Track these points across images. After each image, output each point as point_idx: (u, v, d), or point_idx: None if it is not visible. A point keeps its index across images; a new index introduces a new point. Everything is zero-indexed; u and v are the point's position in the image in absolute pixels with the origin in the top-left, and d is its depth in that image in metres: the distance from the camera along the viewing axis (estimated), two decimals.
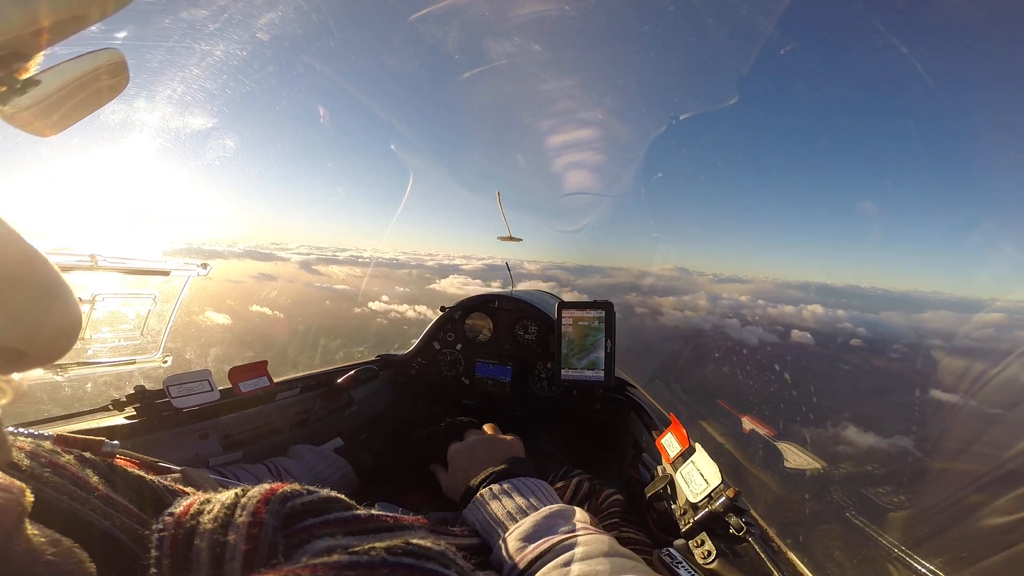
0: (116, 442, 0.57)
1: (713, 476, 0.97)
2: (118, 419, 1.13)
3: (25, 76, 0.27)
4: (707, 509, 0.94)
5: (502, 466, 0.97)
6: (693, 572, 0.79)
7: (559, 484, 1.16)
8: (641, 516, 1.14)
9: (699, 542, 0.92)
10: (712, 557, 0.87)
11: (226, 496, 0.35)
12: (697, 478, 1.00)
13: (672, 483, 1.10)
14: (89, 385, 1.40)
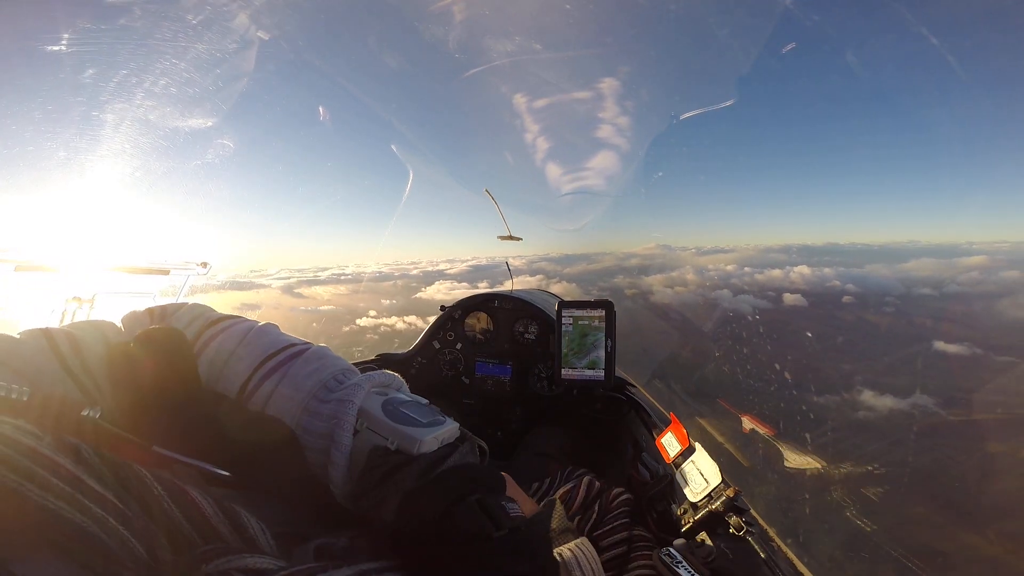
0: (99, 408, 0.50)
1: (713, 476, 0.97)
2: None
3: None
4: (707, 509, 0.94)
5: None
6: (693, 572, 0.79)
7: (568, 486, 1.14)
8: (641, 516, 1.14)
9: (699, 542, 0.92)
10: (712, 557, 0.87)
11: None
12: (697, 478, 1.00)
13: (672, 483, 1.10)
14: None
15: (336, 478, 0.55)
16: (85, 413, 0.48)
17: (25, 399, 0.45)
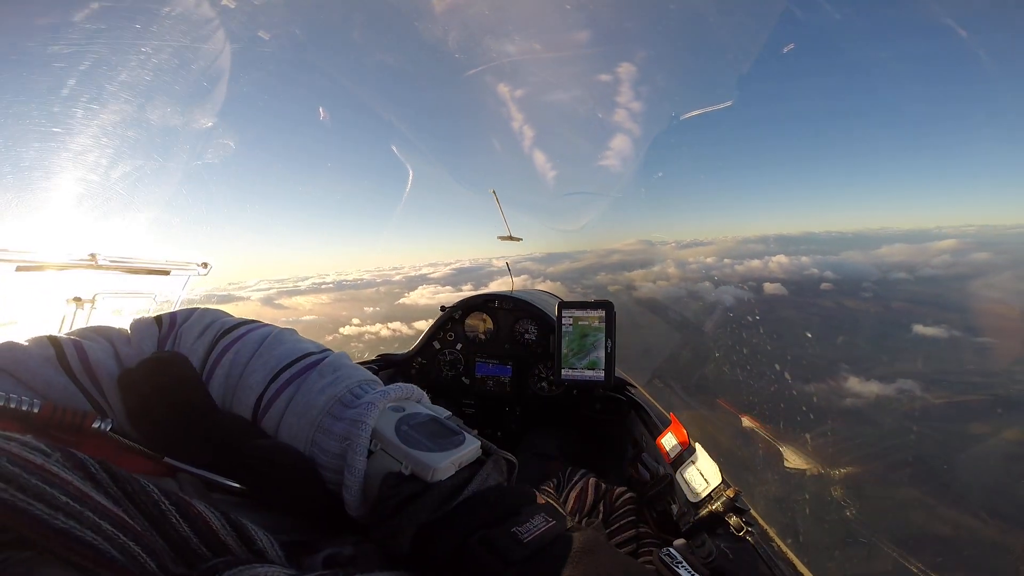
0: (110, 420, 0.49)
1: (713, 476, 0.97)
2: None
3: None
4: (707, 509, 0.94)
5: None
6: (693, 572, 0.79)
7: (577, 489, 1.14)
8: (642, 516, 1.14)
9: (699, 542, 0.92)
10: (712, 557, 0.87)
11: None
12: (697, 478, 1.00)
13: (672, 483, 1.10)
14: None
15: (351, 502, 0.52)
16: (96, 426, 0.47)
17: (36, 411, 0.45)
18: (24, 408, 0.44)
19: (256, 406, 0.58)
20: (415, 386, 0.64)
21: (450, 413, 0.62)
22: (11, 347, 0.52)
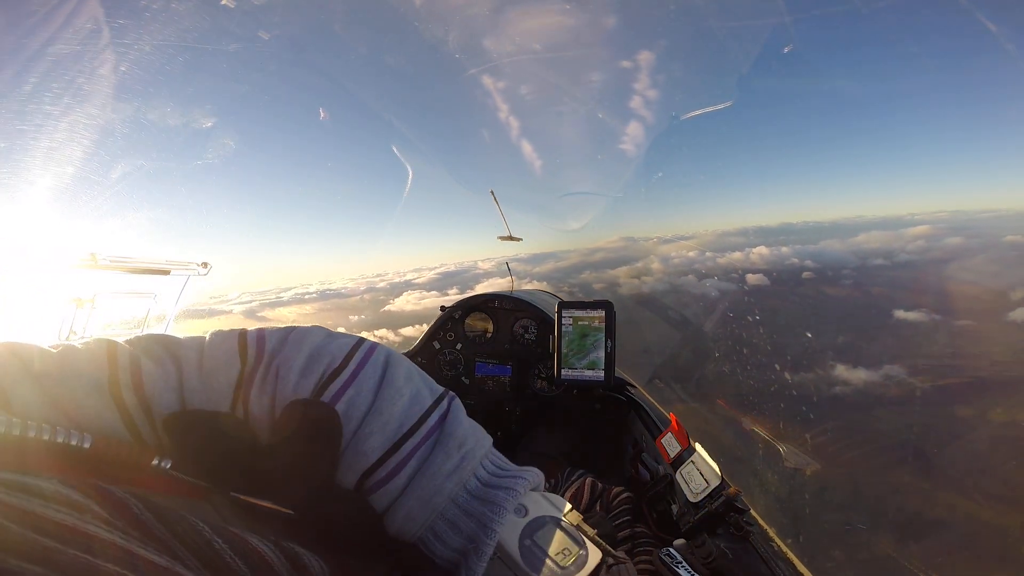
0: (169, 459, 0.44)
1: (713, 476, 0.97)
2: None
3: None
4: (707, 509, 0.94)
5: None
6: (693, 572, 0.79)
7: (573, 488, 1.14)
8: (642, 516, 1.14)
9: (699, 542, 0.92)
10: (712, 557, 0.87)
11: None
12: (697, 478, 1.00)
13: (672, 483, 1.10)
14: None
15: None
16: (155, 463, 0.43)
17: (87, 446, 0.40)
18: (73, 443, 0.40)
19: (367, 474, 0.50)
20: (538, 471, 0.58)
21: (569, 506, 0.57)
22: (62, 366, 0.46)
